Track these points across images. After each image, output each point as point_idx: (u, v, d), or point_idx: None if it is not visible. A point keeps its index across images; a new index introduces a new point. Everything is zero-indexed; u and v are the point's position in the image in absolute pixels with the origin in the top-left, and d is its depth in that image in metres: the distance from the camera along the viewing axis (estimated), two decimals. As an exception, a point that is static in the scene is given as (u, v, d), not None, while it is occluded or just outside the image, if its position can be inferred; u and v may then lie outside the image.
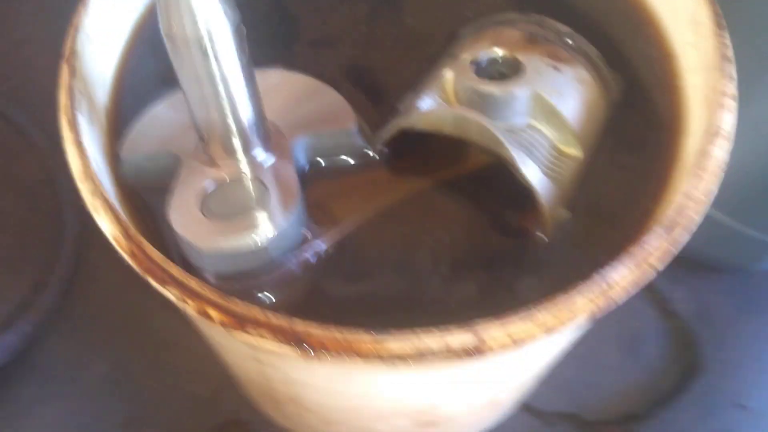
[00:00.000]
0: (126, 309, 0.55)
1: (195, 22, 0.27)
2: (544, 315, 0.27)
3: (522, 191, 0.32)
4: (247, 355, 0.34)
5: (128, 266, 0.28)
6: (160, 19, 0.27)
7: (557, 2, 0.39)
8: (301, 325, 0.26)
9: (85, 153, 0.30)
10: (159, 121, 0.34)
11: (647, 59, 0.37)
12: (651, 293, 0.57)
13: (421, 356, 0.26)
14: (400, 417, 0.39)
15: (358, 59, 0.37)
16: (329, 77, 0.36)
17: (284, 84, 0.35)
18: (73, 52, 0.33)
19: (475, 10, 0.38)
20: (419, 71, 0.36)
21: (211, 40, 0.27)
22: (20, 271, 0.54)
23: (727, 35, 0.33)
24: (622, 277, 0.28)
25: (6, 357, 0.51)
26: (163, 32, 0.28)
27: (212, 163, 0.32)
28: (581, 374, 0.54)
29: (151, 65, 0.37)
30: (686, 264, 0.57)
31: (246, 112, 0.30)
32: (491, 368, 0.33)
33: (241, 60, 0.29)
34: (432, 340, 0.26)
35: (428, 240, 0.32)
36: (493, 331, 0.26)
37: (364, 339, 0.26)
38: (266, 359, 0.32)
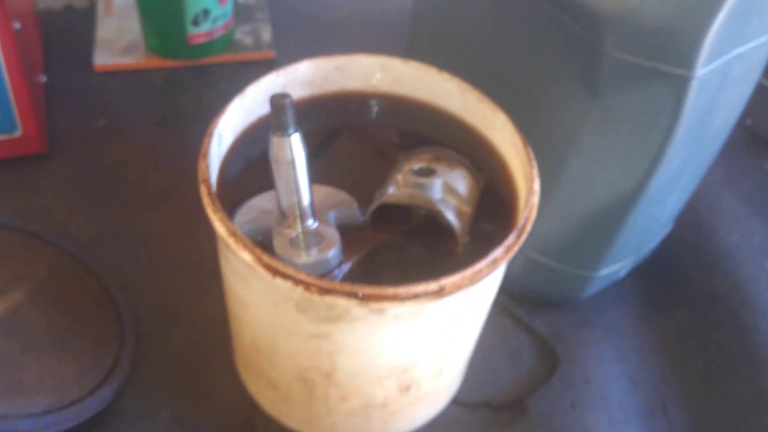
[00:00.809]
0: (179, 370, 0.80)
1: (290, 153, 0.57)
2: (468, 272, 0.57)
3: (445, 231, 0.63)
4: (311, 333, 0.61)
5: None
6: (271, 152, 0.58)
7: (446, 143, 0.73)
8: (363, 288, 0.55)
9: (229, 222, 0.58)
10: (254, 207, 0.63)
11: (493, 164, 0.71)
12: (520, 324, 0.89)
13: (416, 296, 0.55)
14: (391, 378, 0.66)
15: (351, 177, 0.69)
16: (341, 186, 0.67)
17: (317, 188, 0.65)
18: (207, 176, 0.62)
19: (402, 150, 0.71)
20: (382, 178, 0.68)
21: (294, 161, 0.58)
22: (104, 347, 0.78)
23: (530, 149, 0.67)
24: (500, 255, 0.59)
25: (100, 406, 0.74)
26: (272, 159, 0.58)
27: (289, 227, 0.61)
28: (487, 375, 0.84)
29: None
30: (538, 303, 0.90)
31: (306, 199, 0.60)
32: (448, 310, 0.62)
33: (307, 171, 0.59)
34: (420, 287, 0.55)
35: (398, 259, 0.63)
36: (450, 280, 0.56)
37: (389, 289, 0.55)
38: (326, 330, 0.60)
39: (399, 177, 0.66)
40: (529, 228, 0.62)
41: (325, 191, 0.65)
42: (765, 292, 0.90)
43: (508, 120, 0.69)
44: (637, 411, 0.82)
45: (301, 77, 0.74)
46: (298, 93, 0.74)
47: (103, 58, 1.19)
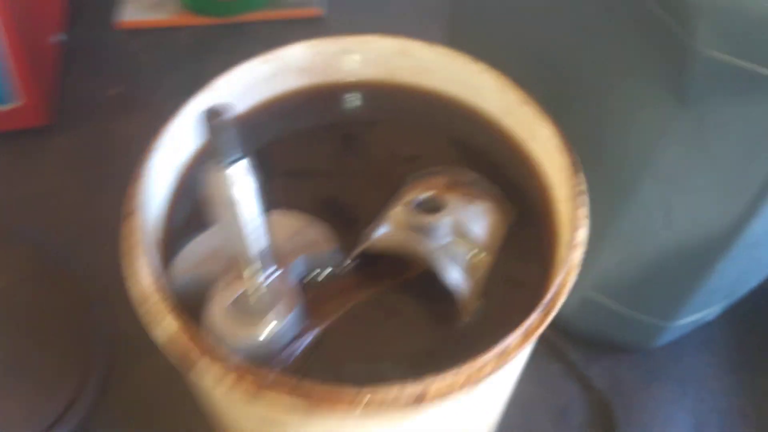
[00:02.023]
0: (152, 403, 0.68)
1: (232, 190, 0.42)
2: (463, 373, 0.41)
3: (447, 291, 0.47)
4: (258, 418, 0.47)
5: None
6: (206, 187, 0.43)
7: (473, 156, 0.55)
8: (315, 387, 0.40)
9: (149, 273, 0.44)
10: (195, 252, 0.49)
11: (533, 191, 0.53)
12: (572, 371, 0.72)
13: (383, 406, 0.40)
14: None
15: (339, 197, 0.53)
16: (317, 211, 0.51)
17: (285, 220, 0.50)
18: (135, 208, 0.48)
19: (415, 157, 0.54)
20: (379, 207, 0.52)
21: (240, 200, 0.43)
22: (65, 377, 0.66)
23: (581, 176, 0.49)
24: (514, 345, 0.42)
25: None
26: (207, 195, 0.43)
27: (237, 278, 0.46)
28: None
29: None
30: (598, 346, 0.72)
31: (260, 244, 0.45)
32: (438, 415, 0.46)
33: (258, 209, 0.44)
34: (391, 392, 0.40)
35: (383, 326, 0.47)
36: (433, 385, 0.40)
37: (349, 393, 0.40)
38: (276, 418, 0.45)
39: (397, 211, 0.49)
40: (561, 301, 0.44)
41: (295, 224, 0.50)
42: None
43: (556, 132, 0.51)
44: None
45: (294, 63, 0.58)
46: (291, 83, 0.58)
47: (128, 14, 1.06)
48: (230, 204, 0.43)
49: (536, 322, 0.43)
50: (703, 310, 0.65)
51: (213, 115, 0.40)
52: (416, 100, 0.59)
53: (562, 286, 0.44)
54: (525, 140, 0.55)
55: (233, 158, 0.42)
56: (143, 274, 0.44)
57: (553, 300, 0.44)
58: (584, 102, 0.58)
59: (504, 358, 0.42)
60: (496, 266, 0.49)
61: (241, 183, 0.42)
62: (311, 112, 0.59)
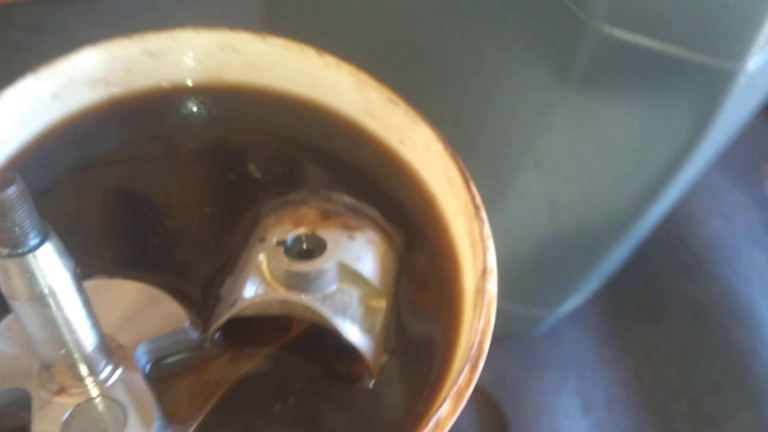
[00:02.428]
0: None
1: (40, 283, 0.29)
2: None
3: (342, 345, 0.38)
4: None
5: None
6: (2, 286, 0.29)
7: (338, 171, 0.45)
8: None
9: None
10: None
11: (416, 207, 0.45)
12: (455, 374, 0.66)
13: None
14: None
15: (171, 256, 0.41)
16: (149, 276, 0.39)
17: (113, 293, 0.37)
18: None
19: (266, 190, 0.44)
20: (230, 251, 0.41)
21: (54, 295, 0.30)
22: None
23: (473, 187, 0.41)
24: (447, 413, 0.34)
25: None
26: (5, 295, 0.30)
27: (62, 390, 0.33)
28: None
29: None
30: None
31: (89, 342, 0.33)
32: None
33: (81, 299, 0.31)
34: None
35: (278, 403, 0.37)
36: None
37: None
38: None
39: (261, 258, 0.39)
40: (487, 346, 0.37)
41: (128, 298, 0.38)
42: (761, 297, 0.69)
43: (435, 135, 0.43)
44: (615, 486, 0.62)
45: (85, 74, 0.44)
46: (84, 97, 0.44)
47: None
48: (39, 300, 0.30)
49: (465, 381, 0.35)
50: (584, 294, 0.61)
51: (-7, 188, 0.27)
52: (254, 104, 0.47)
53: (486, 325, 0.37)
54: (396, 147, 0.46)
55: (33, 241, 0.29)
56: None
57: (480, 347, 0.36)
58: (453, 85, 0.50)
59: (439, 428, 0.34)
60: (395, 310, 0.40)
61: (50, 270, 0.30)
62: (115, 131, 0.46)
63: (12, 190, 0.27)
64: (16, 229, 0.28)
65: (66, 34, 0.80)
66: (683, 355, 0.68)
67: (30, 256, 0.29)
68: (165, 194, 0.43)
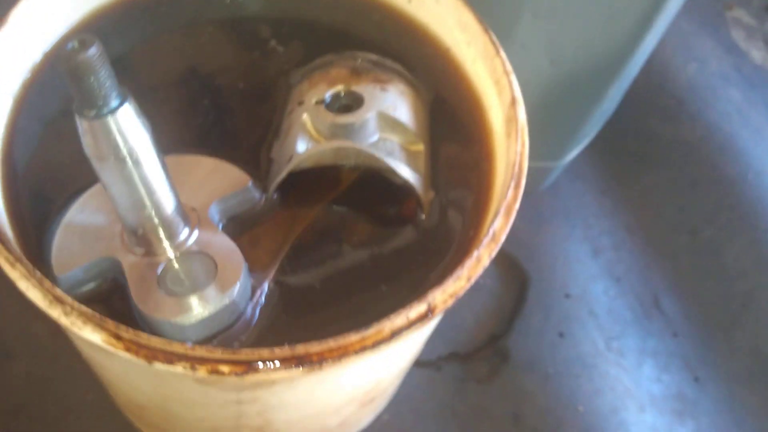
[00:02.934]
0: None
1: (123, 144, 0.31)
2: (467, 271, 0.35)
3: (391, 189, 0.40)
4: (227, 400, 0.38)
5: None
6: (84, 144, 0.31)
7: (355, 39, 0.47)
8: (300, 348, 0.32)
9: (45, 284, 0.33)
10: (77, 230, 0.37)
11: (432, 60, 0.47)
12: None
13: (393, 335, 0.34)
14: (351, 404, 0.46)
15: (219, 131, 0.43)
16: (205, 151, 0.41)
17: (177, 167, 0.39)
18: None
19: (291, 61, 0.45)
20: (273, 121, 0.43)
21: (135, 155, 0.32)
22: None
23: (489, 29, 0.44)
24: (500, 226, 0.37)
25: None
26: (90, 155, 0.32)
27: (149, 251, 0.36)
28: (446, 318, 0.65)
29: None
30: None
31: (169, 203, 0.35)
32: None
33: (160, 161, 0.34)
34: (399, 318, 0.33)
35: (343, 250, 0.40)
36: (438, 296, 0.34)
37: (352, 339, 0.33)
38: (251, 396, 0.38)
39: (305, 118, 0.41)
40: (526, 165, 0.40)
41: (195, 166, 0.40)
42: (742, 130, 0.74)
43: (445, -13, 0.45)
44: (630, 316, 0.67)
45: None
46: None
47: None
48: (123, 160, 0.32)
49: (512, 196, 0.38)
50: (585, 141, 0.65)
51: (74, 53, 0.29)
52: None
53: (522, 147, 0.40)
54: (404, 6, 0.48)
55: (114, 102, 0.31)
56: (35, 281, 0.32)
57: (520, 166, 0.39)
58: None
59: (495, 242, 0.37)
60: (433, 153, 0.43)
61: (131, 131, 0.32)
62: (148, 21, 0.47)
63: (93, 51, 0.29)
64: (100, 89, 0.30)
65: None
66: (678, 192, 0.72)
67: (113, 117, 0.31)
68: (200, 78, 0.45)
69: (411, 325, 0.34)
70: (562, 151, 0.63)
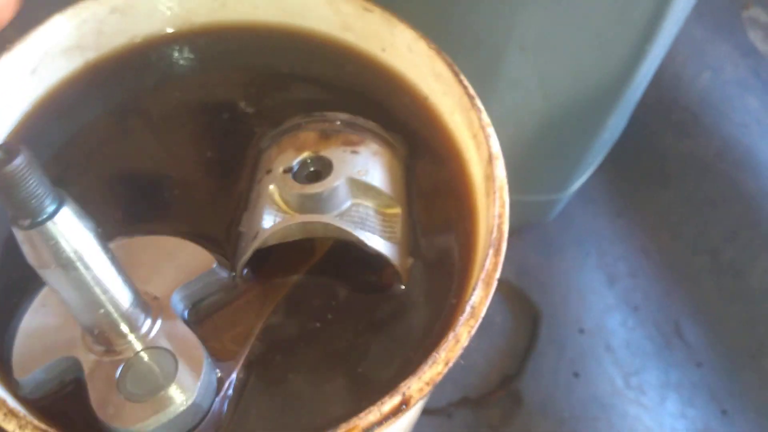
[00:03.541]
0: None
1: (64, 250, 0.30)
2: (445, 354, 0.33)
3: (369, 255, 0.38)
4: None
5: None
6: (26, 255, 0.30)
7: (328, 93, 0.45)
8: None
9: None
10: (36, 332, 0.36)
11: (411, 111, 0.45)
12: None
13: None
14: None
15: (183, 205, 0.41)
16: (167, 228, 0.40)
17: (136, 250, 0.38)
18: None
19: (262, 124, 0.43)
20: (242, 192, 0.41)
21: (79, 259, 0.30)
22: None
23: (464, 79, 0.41)
24: (479, 300, 0.35)
25: None
26: (33, 264, 0.30)
27: (109, 350, 0.34)
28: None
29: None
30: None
31: (125, 298, 0.33)
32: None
33: (108, 257, 0.32)
34: (371, 414, 0.31)
35: (317, 328, 0.38)
36: (413, 385, 0.32)
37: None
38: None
39: (272, 189, 0.39)
40: (506, 230, 0.37)
41: (153, 249, 0.38)
42: (761, 141, 0.70)
43: (417, 36, 0.42)
44: (650, 347, 0.64)
45: (59, 43, 0.43)
46: (61, 67, 0.44)
47: None
48: (68, 265, 0.30)
49: (491, 265, 0.36)
50: (591, 168, 0.62)
51: (1, 162, 0.27)
52: (229, 42, 0.47)
53: (501, 208, 0.37)
54: (378, 55, 0.45)
55: (50, 208, 0.29)
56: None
57: (500, 230, 0.37)
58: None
59: (475, 318, 0.35)
60: (410, 214, 0.41)
61: (72, 235, 0.30)
62: (99, 96, 0.45)
63: (19, 161, 0.27)
64: (32, 199, 0.28)
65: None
66: (696, 211, 0.69)
67: (50, 223, 0.29)
68: (163, 148, 0.43)
69: (385, 419, 0.32)
70: (567, 182, 0.60)
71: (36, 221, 0.29)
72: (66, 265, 0.30)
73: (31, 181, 0.28)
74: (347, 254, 0.39)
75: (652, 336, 0.64)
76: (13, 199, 0.28)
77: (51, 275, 0.31)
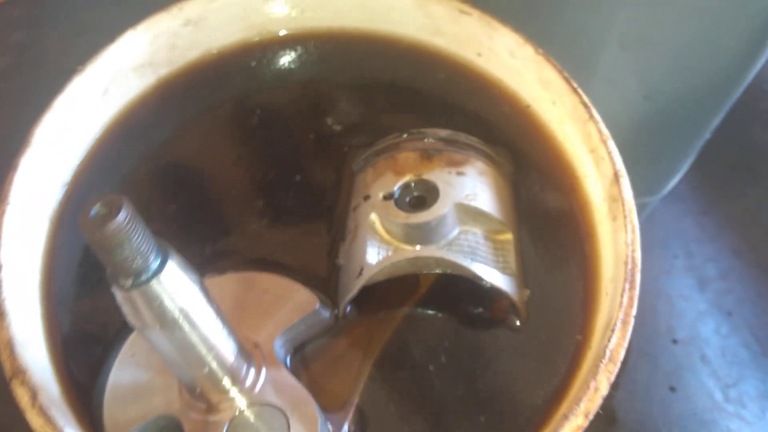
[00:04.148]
0: None
1: (169, 309, 0.27)
2: (584, 405, 0.30)
3: (479, 288, 0.35)
4: None
5: None
6: (129, 318, 0.27)
7: (420, 106, 0.41)
8: None
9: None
10: (127, 387, 0.33)
11: (513, 122, 0.41)
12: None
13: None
14: None
15: (275, 235, 0.38)
16: (256, 262, 0.36)
17: (231, 290, 0.35)
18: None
19: (351, 143, 0.40)
20: (337, 219, 0.38)
21: (187, 316, 0.27)
22: None
23: (577, 86, 0.37)
24: (618, 342, 0.31)
25: None
26: (133, 326, 0.27)
27: (211, 408, 0.31)
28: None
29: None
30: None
31: (229, 352, 0.30)
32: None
33: (213, 311, 0.29)
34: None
35: (431, 366, 0.34)
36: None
37: None
38: None
39: (373, 217, 0.35)
40: (639, 268, 0.33)
41: (245, 291, 0.35)
42: None
43: (522, 40, 0.38)
44: (747, 355, 0.60)
45: (131, 61, 0.40)
46: (134, 86, 0.41)
47: None
48: (174, 324, 0.27)
49: (628, 302, 0.32)
50: (683, 170, 0.57)
51: (99, 223, 0.24)
52: (309, 52, 0.43)
53: (633, 234, 0.33)
54: (474, 60, 0.41)
55: (154, 265, 0.26)
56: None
57: (634, 261, 0.33)
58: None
59: (614, 362, 0.31)
60: (522, 239, 0.37)
61: (178, 293, 0.27)
62: (173, 114, 0.42)
63: (122, 217, 0.24)
64: (135, 257, 0.25)
65: (72, 25, 0.75)
66: (790, 207, 0.64)
67: (155, 281, 0.26)
68: (246, 172, 0.40)
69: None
70: (662, 185, 0.56)
71: (139, 281, 0.26)
72: (171, 325, 0.27)
73: (135, 238, 0.25)
74: (454, 285, 0.36)
75: (748, 343, 0.60)
76: (115, 260, 0.25)
77: (153, 336, 0.28)
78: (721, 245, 0.64)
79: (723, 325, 0.61)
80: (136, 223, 0.24)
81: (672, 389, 0.58)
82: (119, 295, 0.26)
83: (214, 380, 0.30)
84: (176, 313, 0.27)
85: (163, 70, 0.41)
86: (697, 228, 0.65)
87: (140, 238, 0.25)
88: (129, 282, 0.26)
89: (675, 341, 0.60)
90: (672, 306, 0.61)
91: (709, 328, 0.61)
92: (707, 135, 0.50)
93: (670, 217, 0.65)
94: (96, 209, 0.24)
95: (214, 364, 0.30)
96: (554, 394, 0.33)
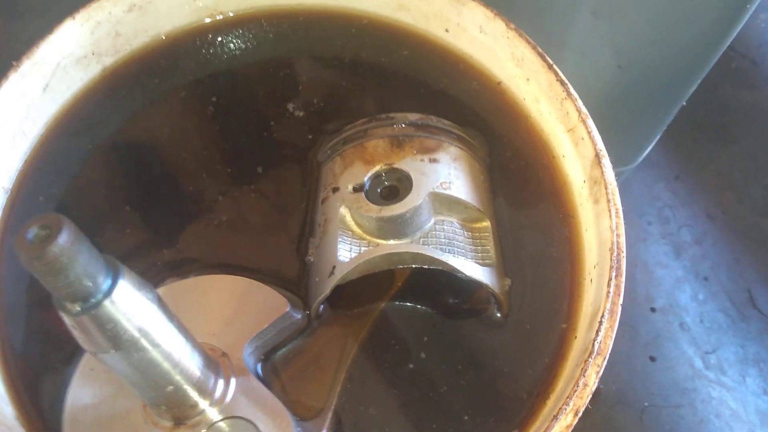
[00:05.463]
0: None
1: (124, 330, 0.24)
2: (572, 402, 0.28)
3: (456, 279, 0.33)
4: None
5: None
6: (82, 343, 0.24)
7: (385, 87, 0.39)
8: None
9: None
10: (88, 405, 0.31)
11: (484, 101, 0.39)
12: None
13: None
14: None
15: (238, 234, 0.36)
16: (218, 263, 0.34)
17: (195, 293, 0.33)
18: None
19: (315, 130, 0.37)
20: (304, 213, 0.35)
21: (146, 335, 0.25)
22: None
23: (553, 63, 0.35)
24: (605, 335, 0.30)
25: None
26: (88, 350, 0.25)
27: (179, 423, 0.29)
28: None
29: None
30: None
31: (195, 366, 0.28)
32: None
33: (174, 325, 0.27)
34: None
35: (410, 365, 0.33)
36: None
37: None
38: None
39: (343, 211, 0.33)
40: (624, 254, 0.32)
41: (209, 295, 0.33)
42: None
43: (492, 14, 0.36)
44: (725, 321, 0.60)
45: (69, 54, 0.37)
46: (75, 79, 0.38)
47: None
48: (132, 346, 0.25)
49: (615, 290, 0.31)
50: (656, 138, 0.56)
51: (38, 247, 0.21)
52: (262, 30, 0.40)
53: (617, 218, 0.32)
54: (442, 37, 0.39)
55: (104, 285, 0.23)
56: None
57: (619, 247, 0.31)
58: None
59: (602, 355, 0.30)
60: (500, 226, 0.35)
61: (132, 311, 0.24)
62: (123, 109, 0.39)
63: (64, 238, 0.22)
64: (83, 279, 0.23)
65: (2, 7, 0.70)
66: (761, 167, 0.64)
67: (107, 303, 0.24)
68: (202, 165, 0.37)
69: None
70: (637, 154, 0.54)
71: (88, 304, 0.23)
72: (129, 347, 0.25)
73: (79, 260, 0.22)
74: (431, 276, 0.34)
75: (726, 308, 0.60)
76: (60, 284, 0.23)
77: (111, 360, 0.25)
78: (695, 210, 0.64)
79: (700, 291, 0.61)
80: (79, 243, 0.22)
81: (652, 359, 0.57)
82: (69, 321, 0.24)
83: (180, 397, 0.28)
84: (134, 334, 0.25)
85: (108, 60, 0.38)
86: (670, 193, 0.64)
87: (85, 258, 0.22)
88: (77, 307, 0.23)
89: (653, 309, 0.59)
90: (649, 274, 0.61)
91: (687, 294, 0.60)
92: (683, 102, 0.48)
93: (642, 184, 0.64)
94: (33, 231, 0.22)
95: (179, 381, 0.27)
96: (541, 388, 0.31)
